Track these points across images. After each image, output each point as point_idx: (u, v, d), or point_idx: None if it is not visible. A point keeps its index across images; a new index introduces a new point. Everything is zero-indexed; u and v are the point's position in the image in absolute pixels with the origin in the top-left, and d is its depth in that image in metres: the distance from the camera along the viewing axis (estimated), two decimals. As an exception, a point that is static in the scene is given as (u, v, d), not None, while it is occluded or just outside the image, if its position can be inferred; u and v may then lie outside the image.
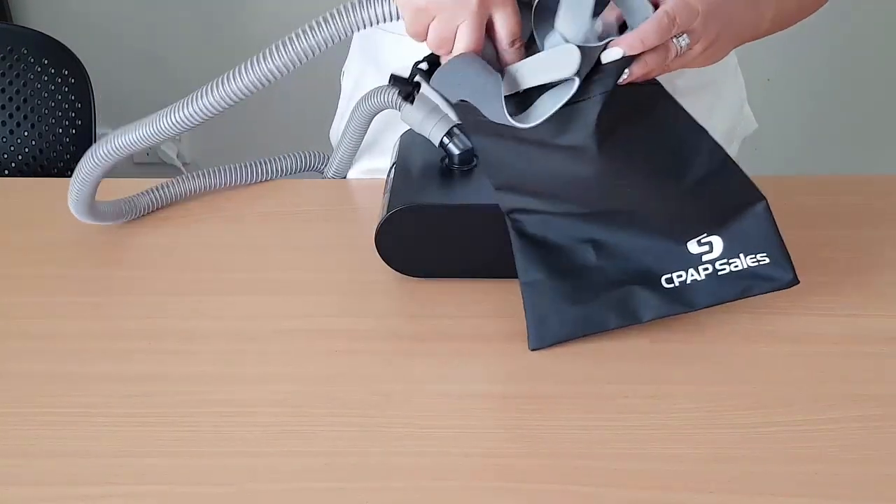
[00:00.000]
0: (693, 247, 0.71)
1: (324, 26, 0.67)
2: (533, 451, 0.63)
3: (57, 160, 1.23)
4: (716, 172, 0.70)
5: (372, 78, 0.93)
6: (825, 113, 2.18)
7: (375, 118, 0.90)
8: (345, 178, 0.96)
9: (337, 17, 0.67)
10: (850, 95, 2.16)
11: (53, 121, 1.22)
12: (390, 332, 0.74)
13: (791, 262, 0.71)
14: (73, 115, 1.23)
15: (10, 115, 1.22)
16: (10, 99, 1.22)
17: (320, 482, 0.61)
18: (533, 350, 0.71)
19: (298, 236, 0.86)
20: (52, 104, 1.22)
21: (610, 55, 0.62)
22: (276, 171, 0.93)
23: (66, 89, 1.22)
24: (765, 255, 0.70)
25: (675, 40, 0.64)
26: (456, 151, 0.80)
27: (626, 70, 0.63)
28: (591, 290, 0.71)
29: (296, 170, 0.94)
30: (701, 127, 0.69)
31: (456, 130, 0.81)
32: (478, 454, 0.63)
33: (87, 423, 0.65)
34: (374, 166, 0.96)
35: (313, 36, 0.68)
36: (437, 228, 0.77)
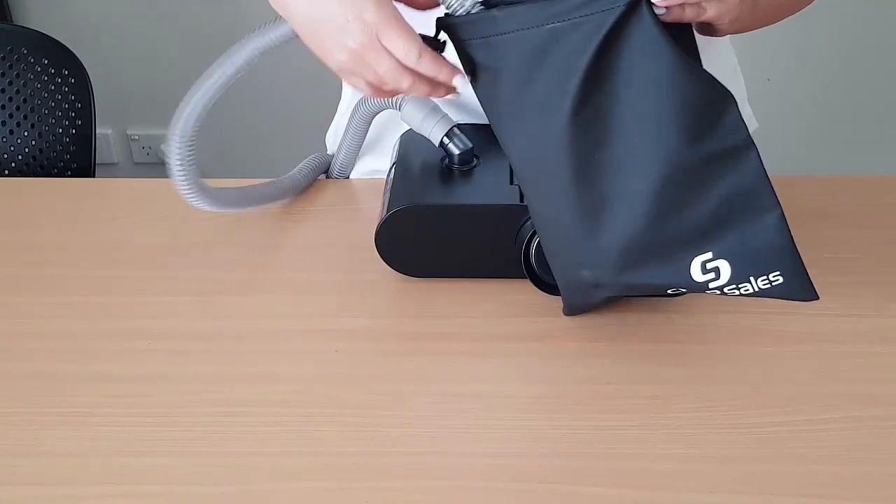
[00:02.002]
0: (697, 273, 0.63)
1: None
2: (533, 451, 0.63)
3: (57, 160, 1.22)
4: (732, 153, 0.62)
5: None
6: (825, 112, 2.18)
7: (376, 119, 0.90)
8: (348, 178, 0.96)
9: None
10: (850, 95, 2.16)
11: (53, 121, 1.22)
12: (390, 331, 0.74)
13: (809, 279, 0.63)
14: (73, 115, 1.23)
15: (10, 115, 1.22)
16: (10, 99, 1.22)
17: (320, 482, 0.61)
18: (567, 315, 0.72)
19: (298, 236, 0.86)
20: (52, 104, 1.22)
21: None
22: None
23: (66, 89, 1.22)
24: (778, 273, 0.63)
25: None
26: (456, 151, 0.80)
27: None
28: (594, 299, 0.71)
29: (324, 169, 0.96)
30: (728, 92, 0.61)
31: (456, 130, 0.81)
32: (477, 454, 0.63)
33: (87, 423, 0.65)
34: (376, 167, 0.96)
35: None
36: (436, 228, 0.77)
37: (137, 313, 0.76)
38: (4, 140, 1.23)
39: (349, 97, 1.01)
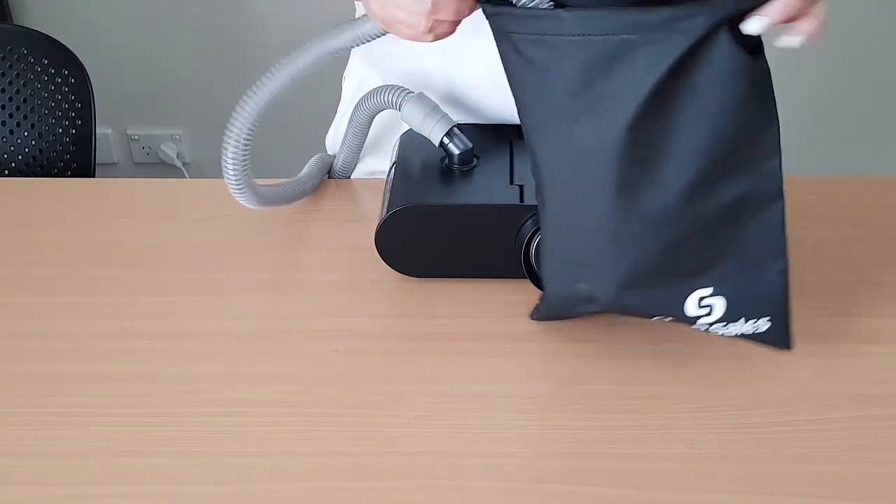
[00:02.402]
0: (691, 307, 0.64)
1: None
2: (533, 451, 0.63)
3: (57, 160, 1.22)
4: (761, 200, 0.62)
5: (374, 81, 0.93)
6: (826, 112, 2.18)
7: (376, 121, 0.90)
8: (349, 178, 0.96)
9: None
10: (850, 95, 2.16)
11: (53, 121, 1.22)
12: (390, 331, 0.74)
13: (791, 329, 0.65)
14: (73, 115, 1.23)
15: (10, 115, 1.22)
16: (10, 99, 1.22)
17: (320, 482, 0.61)
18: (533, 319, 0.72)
19: (298, 236, 0.86)
20: (52, 104, 1.22)
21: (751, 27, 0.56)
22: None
23: (66, 89, 1.22)
24: (767, 319, 0.64)
25: None
26: (456, 151, 0.80)
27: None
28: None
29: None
30: (777, 135, 0.62)
31: (456, 130, 0.81)
32: (477, 454, 0.63)
33: (87, 423, 0.65)
34: (376, 168, 0.96)
35: None
36: (436, 228, 0.77)
37: (137, 313, 0.76)
38: (4, 140, 1.23)
39: (349, 97, 1.01)
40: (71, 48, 1.23)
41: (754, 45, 0.59)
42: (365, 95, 0.87)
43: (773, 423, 0.65)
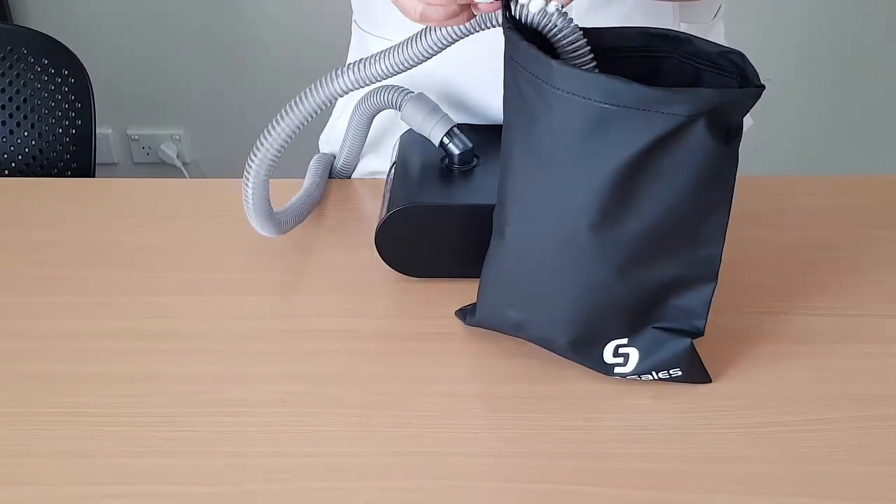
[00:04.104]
0: (608, 355, 0.67)
1: None
2: (532, 451, 0.63)
3: (57, 160, 1.22)
4: (695, 280, 0.65)
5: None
6: (824, 112, 2.18)
7: (376, 121, 0.90)
8: (349, 178, 0.96)
9: None
10: (849, 95, 2.16)
11: (53, 121, 1.22)
12: (390, 331, 0.74)
13: (704, 368, 0.68)
14: (73, 115, 1.23)
15: (10, 115, 1.22)
16: (10, 99, 1.22)
17: (320, 482, 0.61)
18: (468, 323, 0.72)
19: (298, 236, 0.86)
20: (52, 104, 1.22)
21: None
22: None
23: (66, 89, 1.22)
24: (678, 370, 0.67)
25: None
26: (456, 151, 0.80)
27: None
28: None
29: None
30: (724, 224, 0.63)
31: (456, 130, 0.81)
32: (477, 454, 0.63)
33: (86, 424, 0.65)
34: (376, 168, 0.96)
35: None
36: (436, 228, 0.77)
37: (138, 313, 0.76)
38: (4, 140, 1.22)
39: (344, 99, 1.01)
40: (71, 48, 1.23)
41: (729, 131, 0.60)
42: (365, 95, 0.87)
43: (772, 423, 0.65)
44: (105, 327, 0.75)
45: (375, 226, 0.77)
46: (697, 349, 0.67)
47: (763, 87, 0.58)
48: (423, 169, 0.82)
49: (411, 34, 0.66)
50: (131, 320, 0.76)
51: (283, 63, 2.15)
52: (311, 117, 0.69)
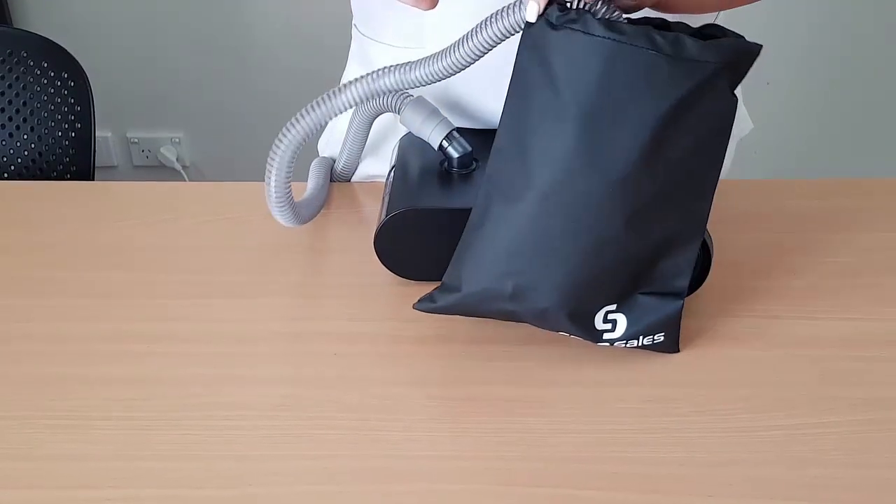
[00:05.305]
0: (599, 321, 0.68)
1: None
2: (531, 454, 0.63)
3: (56, 163, 1.23)
4: (685, 239, 0.66)
5: None
6: (824, 116, 2.18)
7: (375, 125, 0.90)
8: (349, 181, 0.96)
9: None
10: (849, 99, 2.16)
11: (53, 124, 1.22)
12: (389, 334, 0.74)
13: (678, 338, 0.70)
14: (73, 118, 1.23)
15: (10, 118, 1.22)
16: (10, 102, 1.22)
17: (319, 485, 0.61)
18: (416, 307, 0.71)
19: (297, 239, 0.86)
20: (52, 107, 1.22)
21: None
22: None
23: (66, 92, 1.22)
24: (662, 334, 0.69)
25: None
26: (455, 155, 0.81)
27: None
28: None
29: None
30: (719, 172, 0.65)
31: (455, 134, 0.81)
32: (476, 457, 0.63)
33: (85, 426, 0.65)
34: (375, 171, 0.96)
35: None
36: (435, 232, 0.77)
37: (137, 316, 0.76)
38: (4, 143, 1.23)
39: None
40: (71, 51, 1.23)
41: (733, 86, 0.62)
42: (364, 98, 0.87)
43: (772, 427, 0.65)
44: (104, 330, 0.75)
45: (374, 229, 0.77)
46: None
47: (761, 45, 0.61)
48: (423, 172, 0.82)
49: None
50: (131, 323, 0.76)
51: (283, 66, 2.15)
52: (347, 108, 0.70)
